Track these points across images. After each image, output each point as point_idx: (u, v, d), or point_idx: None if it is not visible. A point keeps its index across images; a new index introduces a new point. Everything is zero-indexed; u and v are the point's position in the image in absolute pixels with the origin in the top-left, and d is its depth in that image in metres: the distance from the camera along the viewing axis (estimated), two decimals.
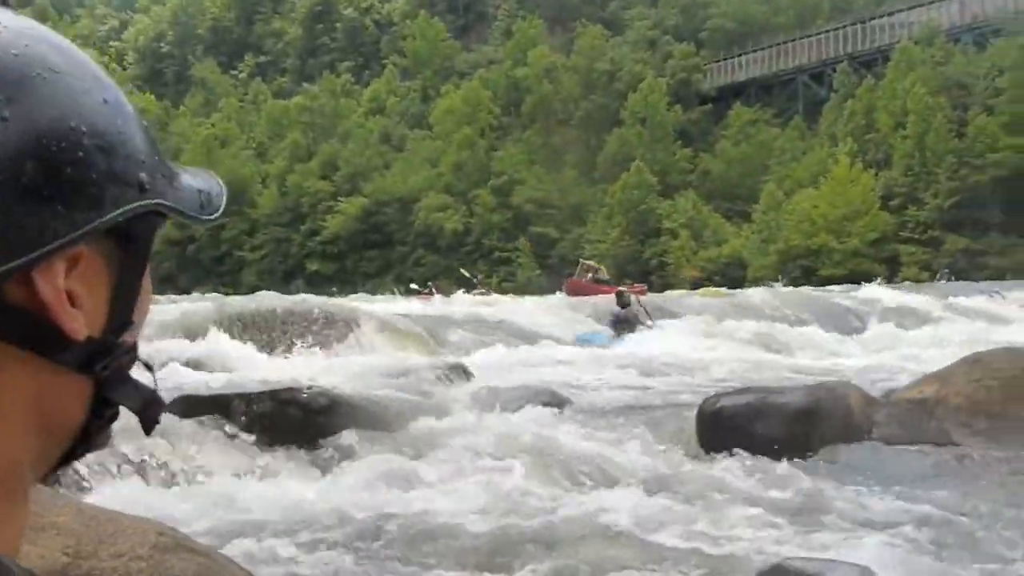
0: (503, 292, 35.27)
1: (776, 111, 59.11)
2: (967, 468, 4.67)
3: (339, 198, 61.31)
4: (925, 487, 4.28)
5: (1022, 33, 44.41)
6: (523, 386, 6.46)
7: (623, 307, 13.45)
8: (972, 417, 5.07)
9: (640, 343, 11.36)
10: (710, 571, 2.98)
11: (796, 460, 4.66)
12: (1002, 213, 42.23)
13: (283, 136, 67.88)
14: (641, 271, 50.49)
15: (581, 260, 29.93)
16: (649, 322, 13.37)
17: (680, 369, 8.66)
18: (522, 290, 44.29)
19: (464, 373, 7.60)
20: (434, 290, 32.00)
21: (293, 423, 5.19)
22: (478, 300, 23.21)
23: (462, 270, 38.63)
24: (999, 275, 36.21)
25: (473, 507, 3.75)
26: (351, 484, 4.38)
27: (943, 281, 30.95)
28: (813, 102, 57.39)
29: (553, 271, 55.62)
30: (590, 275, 26.85)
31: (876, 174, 45.14)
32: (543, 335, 12.52)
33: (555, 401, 5.99)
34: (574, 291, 23.61)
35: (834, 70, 56.27)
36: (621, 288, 16.35)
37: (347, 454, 4.99)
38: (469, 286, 31.85)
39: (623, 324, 13.04)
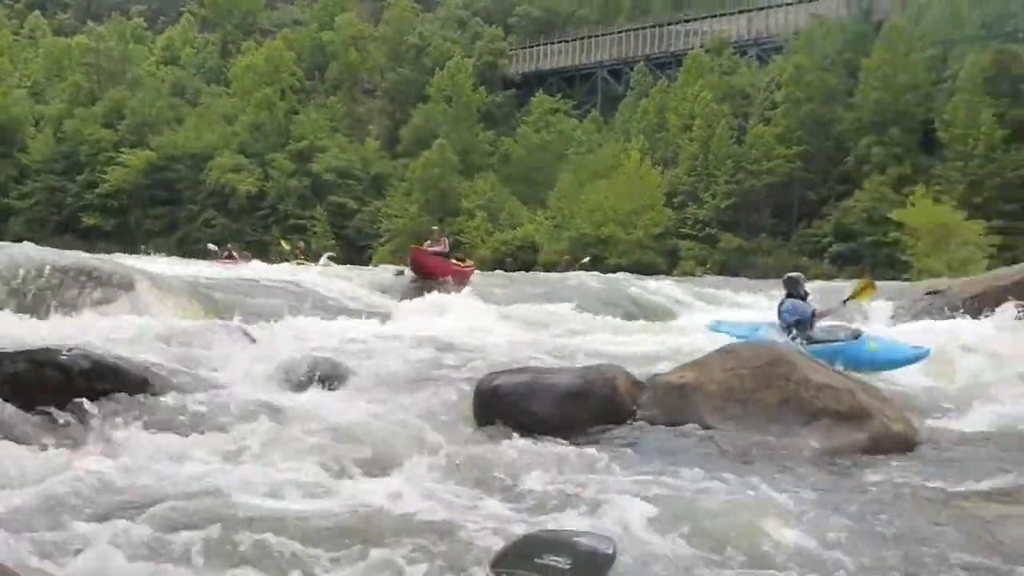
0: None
1: (576, 103, 61.14)
2: (719, 448, 5.04)
3: (123, 149, 57.37)
4: (680, 466, 4.59)
5: (798, 52, 48.28)
6: (306, 356, 6.36)
7: (800, 298, 9.35)
8: (725, 402, 5.49)
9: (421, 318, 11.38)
10: (468, 545, 3.07)
11: (564, 438, 4.89)
12: (771, 217, 45.87)
13: (63, 77, 62.66)
14: None
15: (433, 228, 23.02)
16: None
17: (465, 346, 8.79)
18: (315, 259, 43.42)
19: (246, 339, 7.38)
20: (233, 253, 30.29)
21: (51, 386, 4.85)
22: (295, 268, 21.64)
23: (282, 242, 37.12)
24: (764, 273, 39.41)
25: (240, 485, 3.65)
26: (114, 455, 4.15)
27: (705, 276, 33.18)
28: (611, 97, 59.80)
29: (349, 242, 54.89)
30: (427, 243, 19.68)
31: (663, 172, 47.73)
32: (337, 305, 12.32)
33: (337, 373, 5.94)
34: (422, 267, 18.07)
35: (631, 69, 58.84)
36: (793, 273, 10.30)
37: (111, 422, 4.71)
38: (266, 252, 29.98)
39: (803, 325, 9.12)
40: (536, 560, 1.64)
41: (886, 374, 8.23)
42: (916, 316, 17.30)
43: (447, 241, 20.35)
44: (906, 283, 24.61)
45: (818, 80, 45.97)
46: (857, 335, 9.11)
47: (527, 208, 52.43)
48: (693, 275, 36.33)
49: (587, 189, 47.84)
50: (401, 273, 19.89)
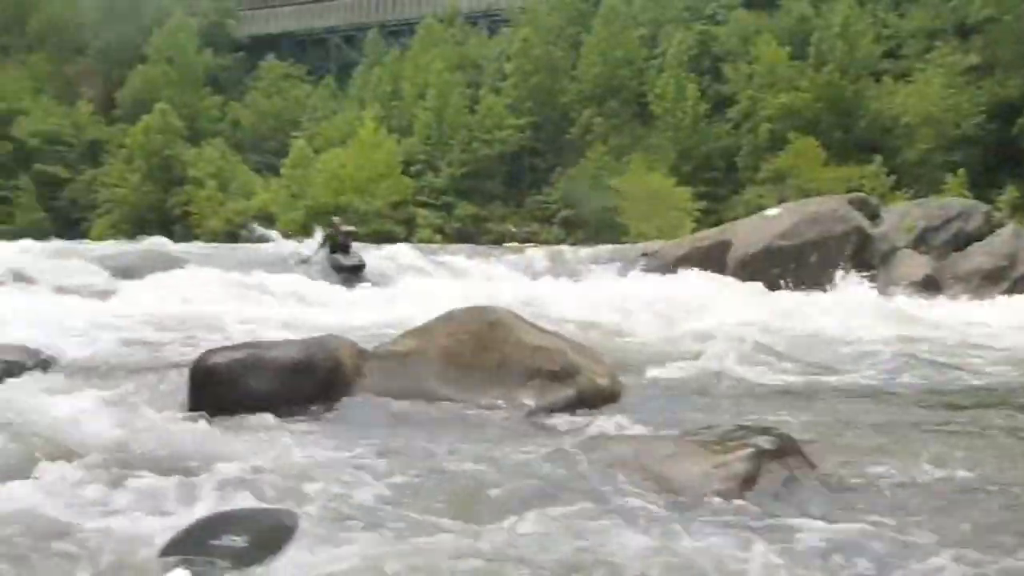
0: None
1: (309, 68, 59.51)
2: (439, 413, 5.21)
3: None
4: (399, 434, 4.69)
5: (525, 26, 49.96)
6: None
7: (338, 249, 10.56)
8: (446, 368, 5.67)
9: (137, 295, 10.72)
10: (144, 539, 2.92)
11: (284, 416, 4.82)
12: (503, 184, 47.41)
13: None
14: (163, 220, 47.89)
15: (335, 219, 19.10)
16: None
17: (190, 325, 8.42)
18: (22, 234, 39.41)
19: None
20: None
21: None
22: None
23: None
24: (499, 239, 40.75)
25: None
26: None
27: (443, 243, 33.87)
28: (345, 64, 58.77)
29: (62, 214, 50.23)
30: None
31: (399, 140, 47.77)
32: (39, 284, 11.29)
33: (29, 361, 5.47)
34: None
35: (366, 35, 58.16)
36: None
37: None
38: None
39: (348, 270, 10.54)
40: (211, 542, 1.62)
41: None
42: (632, 275, 18.79)
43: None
44: (626, 245, 26.47)
45: (544, 53, 47.86)
46: None
47: (260, 177, 50.58)
48: (431, 242, 36.88)
49: (322, 157, 46.93)
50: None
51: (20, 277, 11.36)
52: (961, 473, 4.14)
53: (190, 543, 1.65)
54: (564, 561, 2.99)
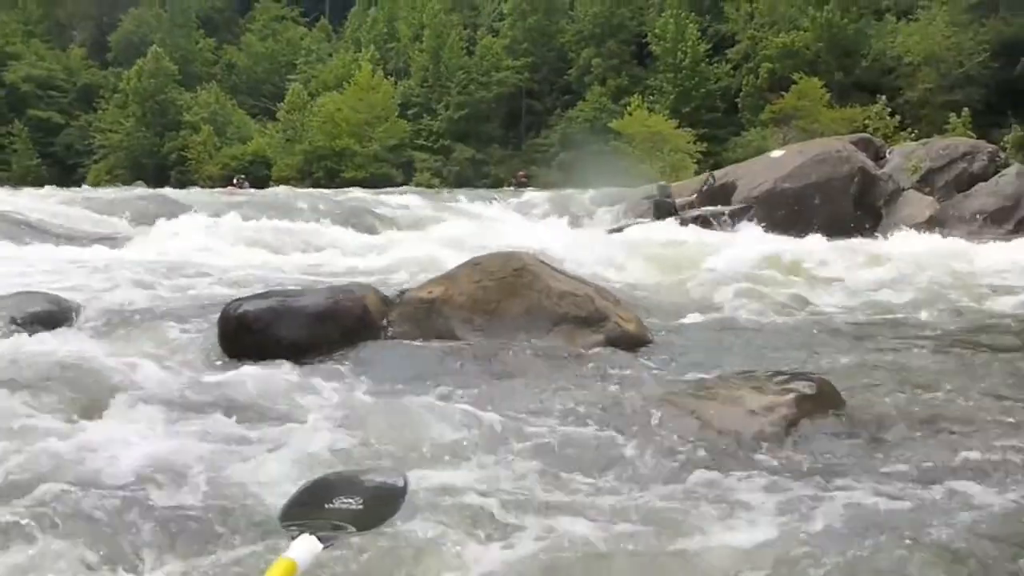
0: None
1: (303, 10, 58.65)
2: (469, 358, 5.20)
3: None
4: (433, 378, 4.70)
5: None
6: (21, 292, 5.76)
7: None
8: (472, 314, 5.65)
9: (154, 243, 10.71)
10: (241, 492, 2.94)
11: (319, 362, 4.82)
12: (501, 127, 47.05)
13: None
14: (159, 166, 47.54)
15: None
16: None
17: (206, 272, 8.39)
18: (19, 181, 39.19)
19: None
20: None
21: None
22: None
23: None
24: (497, 183, 40.51)
25: None
26: None
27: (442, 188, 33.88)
28: (340, 6, 57.93)
29: (57, 161, 49.79)
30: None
31: (396, 83, 47.26)
32: (51, 233, 11.21)
33: (60, 310, 5.44)
34: None
35: None
36: None
37: None
38: None
39: None
40: (327, 506, 1.59)
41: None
42: (638, 218, 18.74)
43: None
44: (627, 188, 26.29)
45: None
46: None
47: (256, 121, 50.13)
48: (429, 186, 36.72)
49: (319, 101, 46.47)
50: None
51: (29, 226, 11.26)
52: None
53: (307, 508, 1.62)
54: (617, 505, 3.00)
